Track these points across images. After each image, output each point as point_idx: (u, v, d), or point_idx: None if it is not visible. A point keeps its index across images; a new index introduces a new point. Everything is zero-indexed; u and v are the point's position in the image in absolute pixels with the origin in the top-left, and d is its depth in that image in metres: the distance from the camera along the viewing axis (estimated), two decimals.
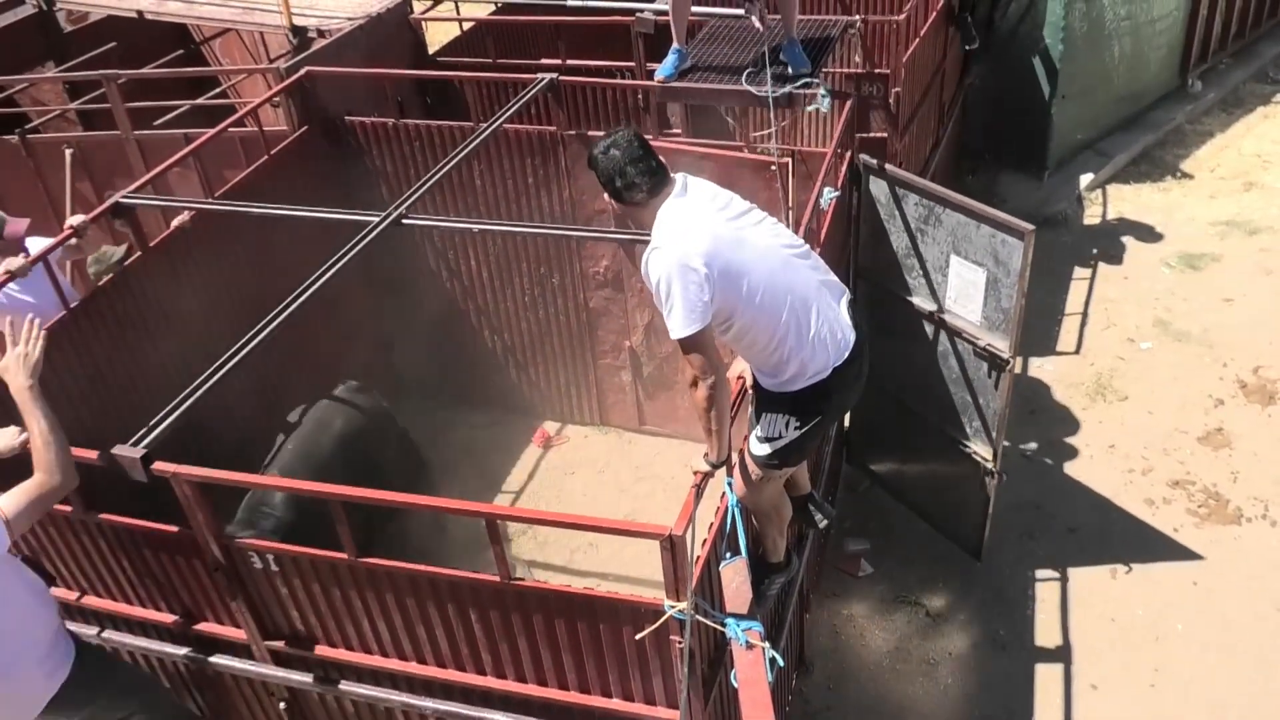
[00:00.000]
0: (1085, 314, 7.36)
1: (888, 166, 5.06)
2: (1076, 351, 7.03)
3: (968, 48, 7.31)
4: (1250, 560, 5.49)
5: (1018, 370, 6.04)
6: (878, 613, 5.44)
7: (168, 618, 4.02)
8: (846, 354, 3.36)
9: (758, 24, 5.23)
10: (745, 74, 5.29)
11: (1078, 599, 5.40)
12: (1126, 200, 8.56)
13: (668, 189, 3.26)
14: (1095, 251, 8.01)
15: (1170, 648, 5.10)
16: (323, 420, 5.34)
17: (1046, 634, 5.26)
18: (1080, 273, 7.76)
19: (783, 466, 3.52)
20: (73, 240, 4.97)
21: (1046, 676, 5.06)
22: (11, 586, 3.38)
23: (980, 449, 5.24)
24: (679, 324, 3.09)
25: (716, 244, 3.15)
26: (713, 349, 3.13)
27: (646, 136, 3.32)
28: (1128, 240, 8.07)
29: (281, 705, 4.08)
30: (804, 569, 4.57)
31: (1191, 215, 8.26)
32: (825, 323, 3.32)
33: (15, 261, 4.66)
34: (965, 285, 4.90)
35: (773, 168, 5.25)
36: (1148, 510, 5.83)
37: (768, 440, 3.45)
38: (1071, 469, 6.15)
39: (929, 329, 5.22)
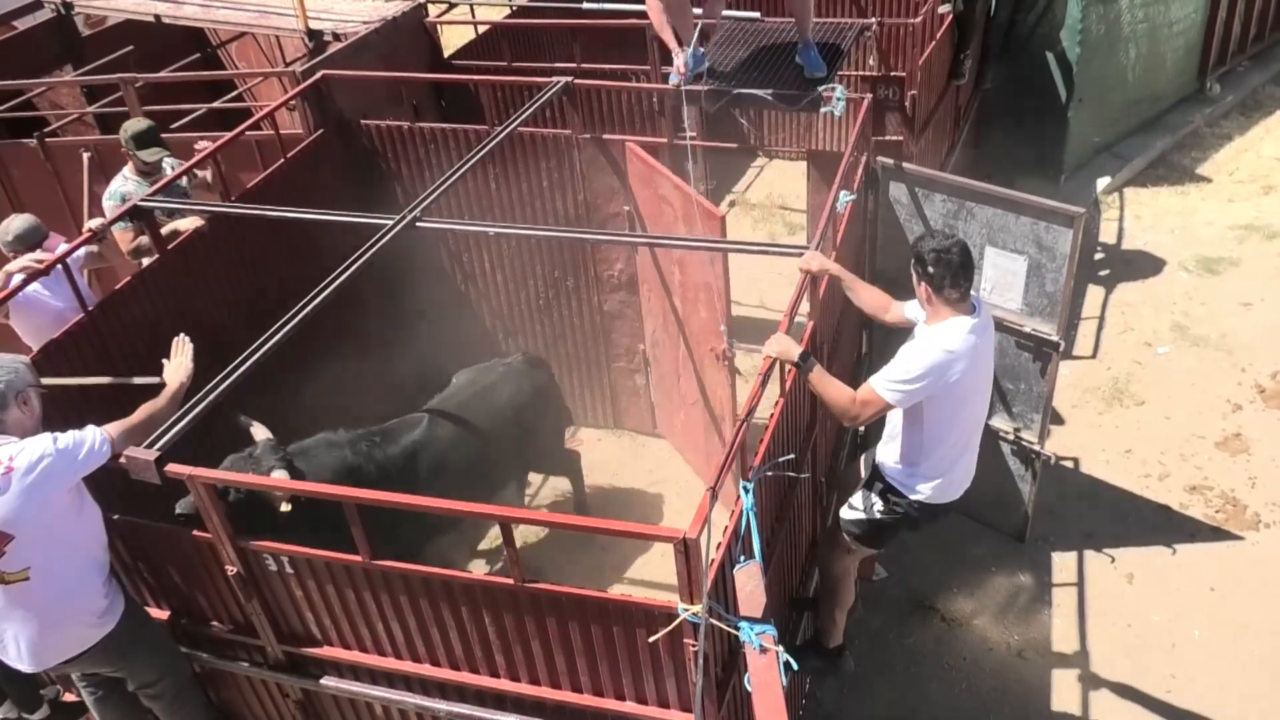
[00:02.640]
0: (1102, 318, 7.32)
1: (910, 166, 5.06)
2: (1093, 356, 7.00)
3: (955, 83, 7.24)
4: (1268, 566, 5.44)
5: None
6: (893, 617, 5.42)
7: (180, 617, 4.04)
8: (954, 499, 4.10)
9: (678, 67, 5.05)
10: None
11: (1094, 604, 5.37)
12: (1144, 204, 8.51)
13: (968, 304, 3.82)
14: (1112, 256, 7.96)
15: (1186, 655, 5.07)
16: (488, 387, 5.44)
17: (1062, 640, 5.23)
18: (1097, 277, 7.72)
19: (859, 542, 4.15)
20: (93, 247, 5.02)
21: (1062, 683, 5.03)
22: (87, 520, 3.57)
23: (1024, 434, 5.30)
24: (888, 392, 3.70)
25: (973, 367, 3.77)
26: (874, 417, 3.81)
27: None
28: (1145, 244, 8.02)
29: (295, 706, 4.10)
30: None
31: (1209, 219, 8.21)
32: (965, 470, 4.06)
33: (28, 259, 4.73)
34: (1003, 275, 4.96)
35: (716, 218, 5.09)
36: (1164, 515, 5.79)
37: (853, 509, 4.15)
38: (1088, 474, 6.11)
39: None
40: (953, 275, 3.71)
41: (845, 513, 4.18)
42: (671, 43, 5.11)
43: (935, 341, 3.73)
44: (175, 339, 3.96)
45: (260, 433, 4.49)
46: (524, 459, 5.72)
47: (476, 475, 5.17)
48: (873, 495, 4.10)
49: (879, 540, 4.24)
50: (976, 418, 4.02)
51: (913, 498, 4.01)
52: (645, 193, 5.66)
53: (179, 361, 3.86)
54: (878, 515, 4.08)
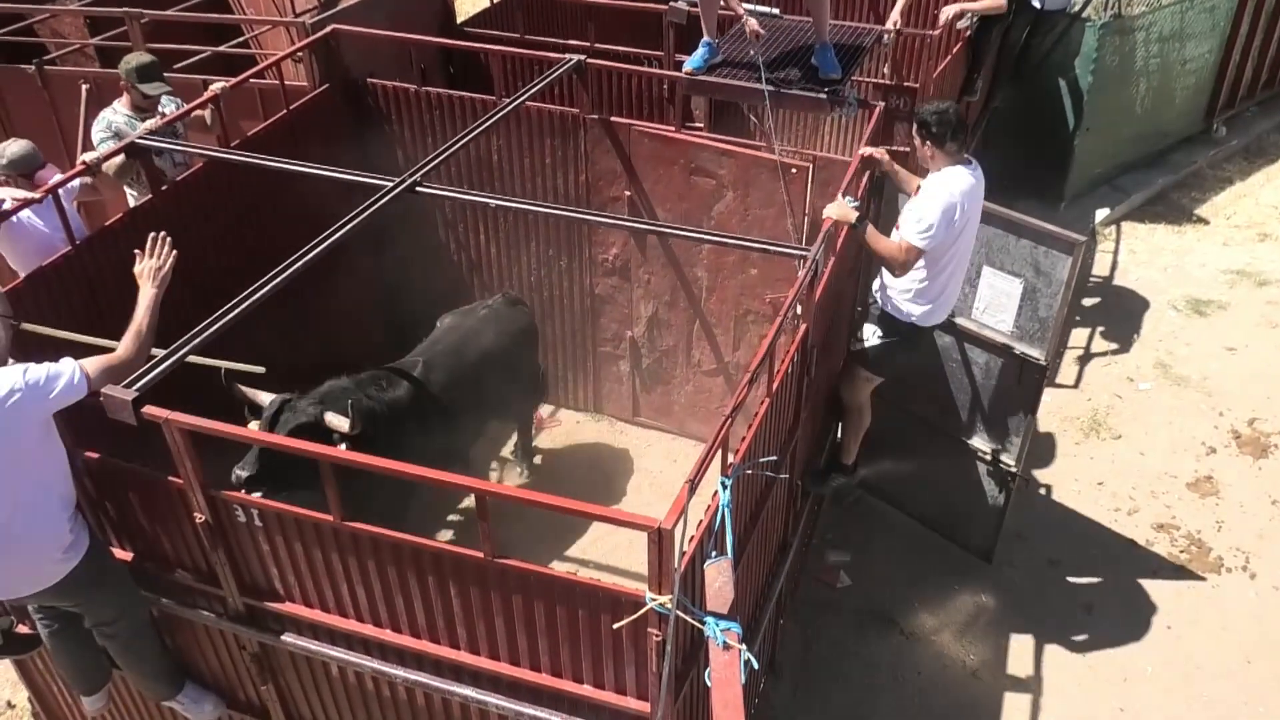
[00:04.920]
0: (1087, 349, 7.35)
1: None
2: (1075, 385, 7.03)
3: (966, 99, 7.25)
4: (1226, 610, 5.50)
5: None
6: (852, 625, 5.44)
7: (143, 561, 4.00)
8: (940, 321, 4.78)
9: (755, 28, 5.25)
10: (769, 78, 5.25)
11: (1051, 632, 5.41)
12: (1140, 239, 8.55)
13: (964, 158, 4.54)
14: (1103, 288, 8.00)
15: (1137, 690, 5.11)
16: (473, 330, 5.56)
17: (1017, 663, 5.26)
18: (1086, 308, 7.76)
19: (869, 369, 4.88)
20: (87, 179, 4.95)
21: (1013, 706, 5.06)
22: (55, 455, 3.49)
23: (1002, 456, 5.34)
24: (919, 239, 4.37)
25: (969, 208, 4.46)
26: (915, 264, 4.47)
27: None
28: (1137, 280, 8.06)
29: (250, 659, 4.07)
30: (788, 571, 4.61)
31: (1203, 260, 8.26)
32: (951, 297, 4.70)
33: (21, 192, 4.65)
34: (998, 296, 4.99)
35: (793, 170, 5.22)
36: (1129, 550, 5.84)
37: (859, 340, 4.89)
38: (1059, 501, 6.15)
39: (946, 339, 5.24)
40: (952, 130, 4.41)
41: (855, 345, 4.89)
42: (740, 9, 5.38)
43: (942, 187, 4.40)
44: (151, 234, 3.63)
45: (264, 398, 4.45)
46: (508, 396, 5.82)
47: (472, 413, 5.38)
48: (873, 324, 4.79)
49: (884, 365, 4.87)
50: (964, 255, 4.66)
51: (906, 320, 4.69)
52: (661, 172, 5.63)
53: (153, 264, 3.59)
54: (878, 340, 4.77)
